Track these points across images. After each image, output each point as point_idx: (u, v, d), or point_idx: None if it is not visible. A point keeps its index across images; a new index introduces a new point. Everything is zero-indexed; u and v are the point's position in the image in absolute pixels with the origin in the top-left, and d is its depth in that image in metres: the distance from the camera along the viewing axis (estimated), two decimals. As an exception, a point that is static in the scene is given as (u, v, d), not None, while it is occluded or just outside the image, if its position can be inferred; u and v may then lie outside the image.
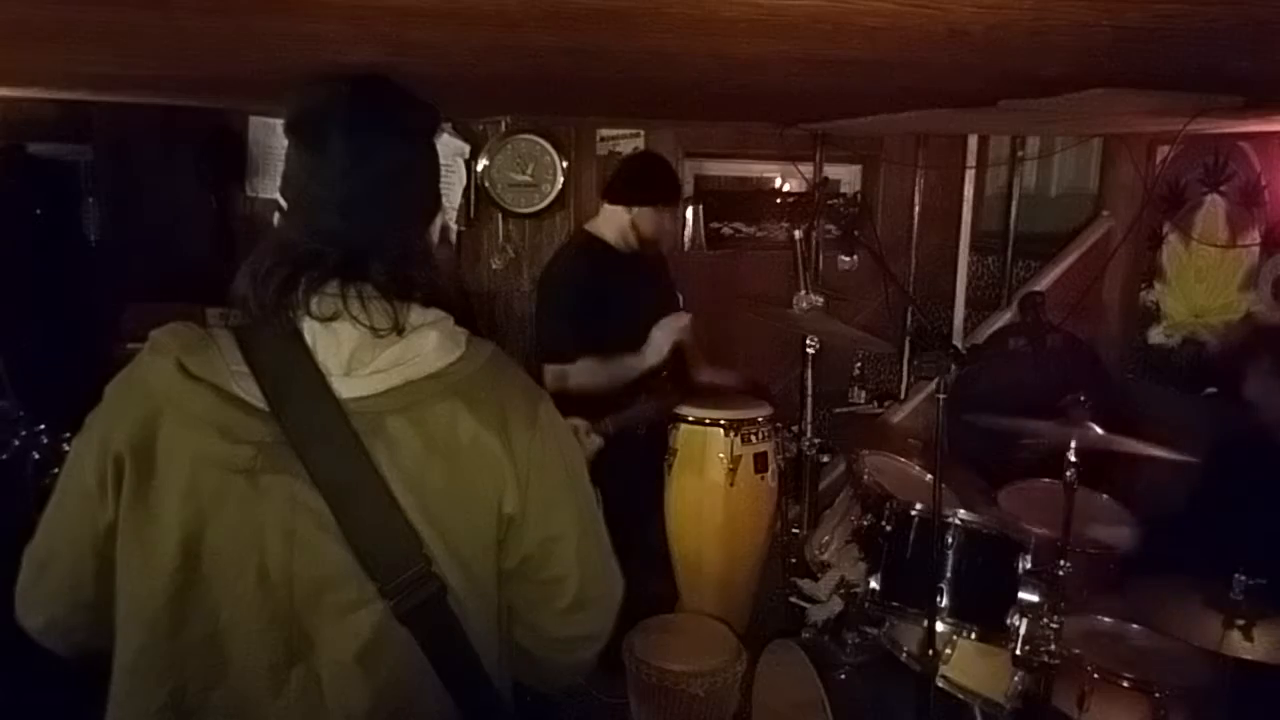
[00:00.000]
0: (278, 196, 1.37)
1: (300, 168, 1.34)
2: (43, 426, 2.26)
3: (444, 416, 1.28)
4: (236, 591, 1.25)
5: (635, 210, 3.57)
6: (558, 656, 1.50)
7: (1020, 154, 5.10)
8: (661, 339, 3.46)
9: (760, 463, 3.63)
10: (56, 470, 1.48)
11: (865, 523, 2.90)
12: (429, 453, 1.27)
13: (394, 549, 1.25)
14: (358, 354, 1.28)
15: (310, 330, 1.28)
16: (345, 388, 1.27)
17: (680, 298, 3.94)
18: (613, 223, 3.62)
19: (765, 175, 5.33)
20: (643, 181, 3.66)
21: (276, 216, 1.38)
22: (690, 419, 3.60)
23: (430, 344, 1.31)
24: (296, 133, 1.35)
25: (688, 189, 5.04)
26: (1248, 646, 2.36)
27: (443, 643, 1.29)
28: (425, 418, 1.28)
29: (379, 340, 1.28)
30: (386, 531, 1.25)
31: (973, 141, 5.17)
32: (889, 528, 2.73)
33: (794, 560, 3.58)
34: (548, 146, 4.59)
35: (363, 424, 1.25)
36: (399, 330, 1.29)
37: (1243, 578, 2.43)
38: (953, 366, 2.56)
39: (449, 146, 4.45)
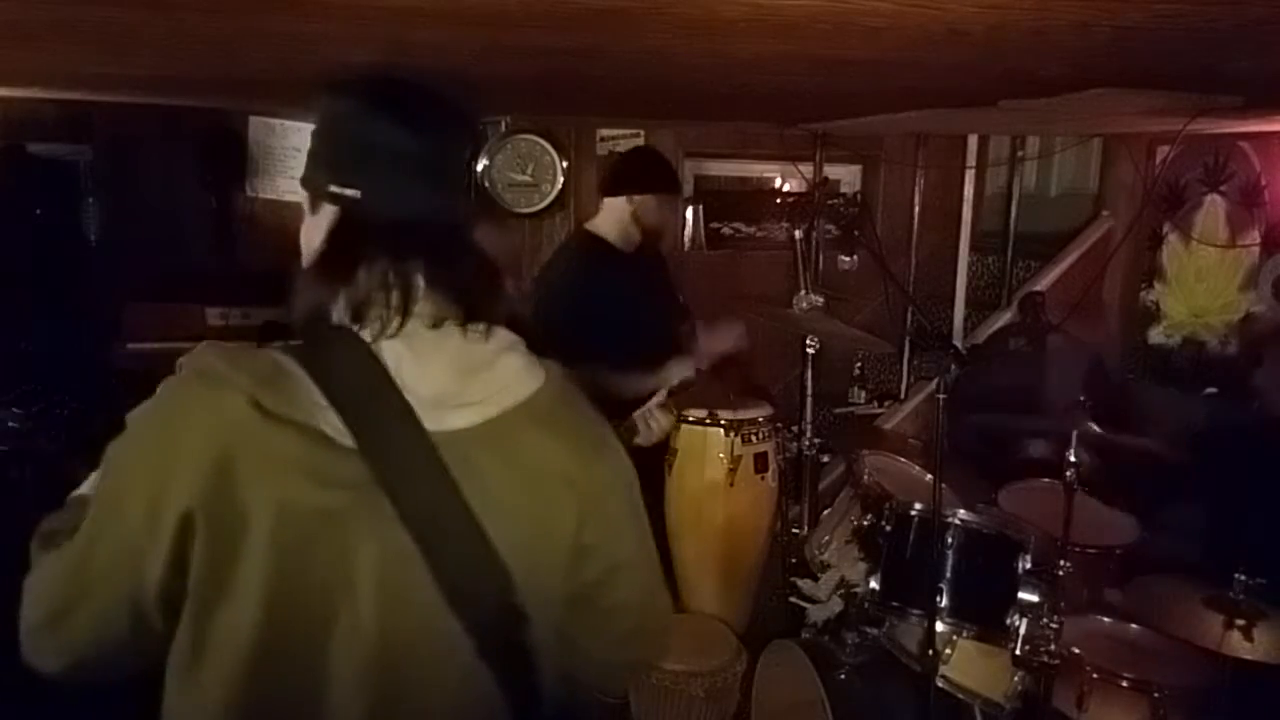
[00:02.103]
0: (340, 190, 1.21)
1: (376, 144, 1.20)
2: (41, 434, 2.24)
3: (531, 447, 1.22)
4: (326, 646, 1.15)
5: (637, 200, 3.54)
6: (602, 680, 1.48)
7: (1020, 154, 5.10)
8: (675, 372, 3.44)
9: (760, 463, 3.63)
10: (61, 485, 1.36)
11: (865, 523, 2.90)
12: (518, 485, 1.21)
13: (484, 588, 1.19)
14: (447, 383, 1.19)
15: (393, 356, 1.17)
16: (435, 420, 1.17)
17: (681, 298, 3.94)
18: (613, 218, 3.59)
19: (765, 175, 5.33)
20: (643, 171, 3.64)
21: (333, 213, 1.23)
22: (690, 419, 3.60)
23: (516, 371, 1.24)
24: (378, 101, 1.22)
25: (688, 189, 5.03)
26: (1248, 646, 2.36)
27: (519, 677, 1.25)
28: (515, 449, 1.21)
29: (468, 368, 1.21)
30: (478, 570, 1.18)
31: (973, 141, 5.17)
32: (889, 528, 2.73)
33: (794, 560, 3.58)
34: (548, 146, 4.59)
35: (453, 458, 1.17)
36: (483, 347, 1.23)
37: (1242, 577, 2.43)
38: (953, 366, 2.56)
39: (449, 146, 4.45)
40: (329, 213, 1.23)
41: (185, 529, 1.10)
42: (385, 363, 1.17)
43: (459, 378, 1.20)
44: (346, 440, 1.13)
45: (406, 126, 1.20)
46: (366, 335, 1.18)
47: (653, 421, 2.77)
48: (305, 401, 1.13)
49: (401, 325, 1.17)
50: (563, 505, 1.24)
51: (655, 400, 2.79)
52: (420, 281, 1.19)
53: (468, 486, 1.17)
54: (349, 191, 1.20)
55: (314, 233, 1.25)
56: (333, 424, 1.13)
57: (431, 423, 1.17)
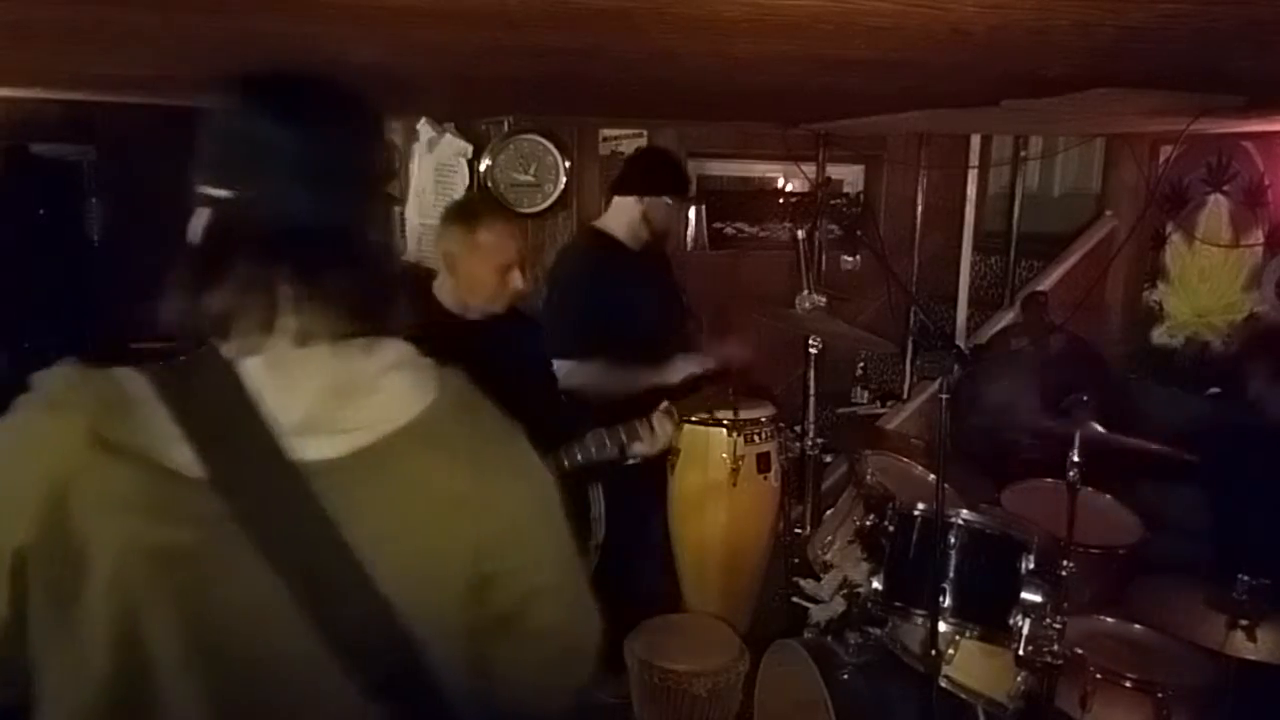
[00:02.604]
0: (210, 191, 1.11)
1: (252, 143, 1.10)
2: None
3: (419, 473, 1.12)
4: (187, 691, 1.05)
5: (647, 201, 3.56)
6: (534, 706, 1.35)
7: (1023, 154, 5.10)
8: (682, 367, 3.44)
9: (763, 463, 3.63)
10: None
11: (868, 523, 2.90)
12: (403, 515, 1.11)
13: (365, 625, 1.09)
14: (318, 409, 1.08)
15: (257, 378, 1.07)
16: (304, 449, 1.07)
17: (684, 297, 3.94)
18: (623, 217, 3.60)
19: (768, 175, 5.33)
20: (655, 172, 3.65)
21: (205, 215, 1.12)
22: (693, 419, 3.59)
23: (401, 391, 1.13)
24: (257, 97, 1.12)
25: (690, 189, 5.03)
26: (1251, 647, 2.36)
27: (418, 713, 1.15)
28: (398, 477, 1.11)
29: (343, 390, 1.10)
30: (357, 608, 1.08)
31: (975, 141, 5.17)
32: (892, 528, 2.72)
33: (797, 560, 3.57)
34: (550, 146, 4.59)
35: (326, 489, 1.06)
36: (362, 366, 1.12)
37: (1246, 578, 2.42)
38: (955, 367, 2.56)
39: (451, 146, 4.46)
40: (203, 216, 1.12)
41: (19, 569, 1.02)
42: (248, 385, 1.07)
43: (332, 401, 1.09)
44: (196, 472, 1.03)
45: (286, 124, 1.09)
46: (231, 353, 1.08)
47: (656, 428, 2.75)
48: (152, 430, 1.04)
49: (264, 342, 1.07)
50: (457, 533, 1.14)
51: (660, 409, 2.78)
52: (288, 293, 1.07)
53: (344, 519, 1.06)
54: (219, 192, 1.10)
55: (190, 239, 1.14)
56: (181, 455, 1.04)
57: (300, 451, 1.06)
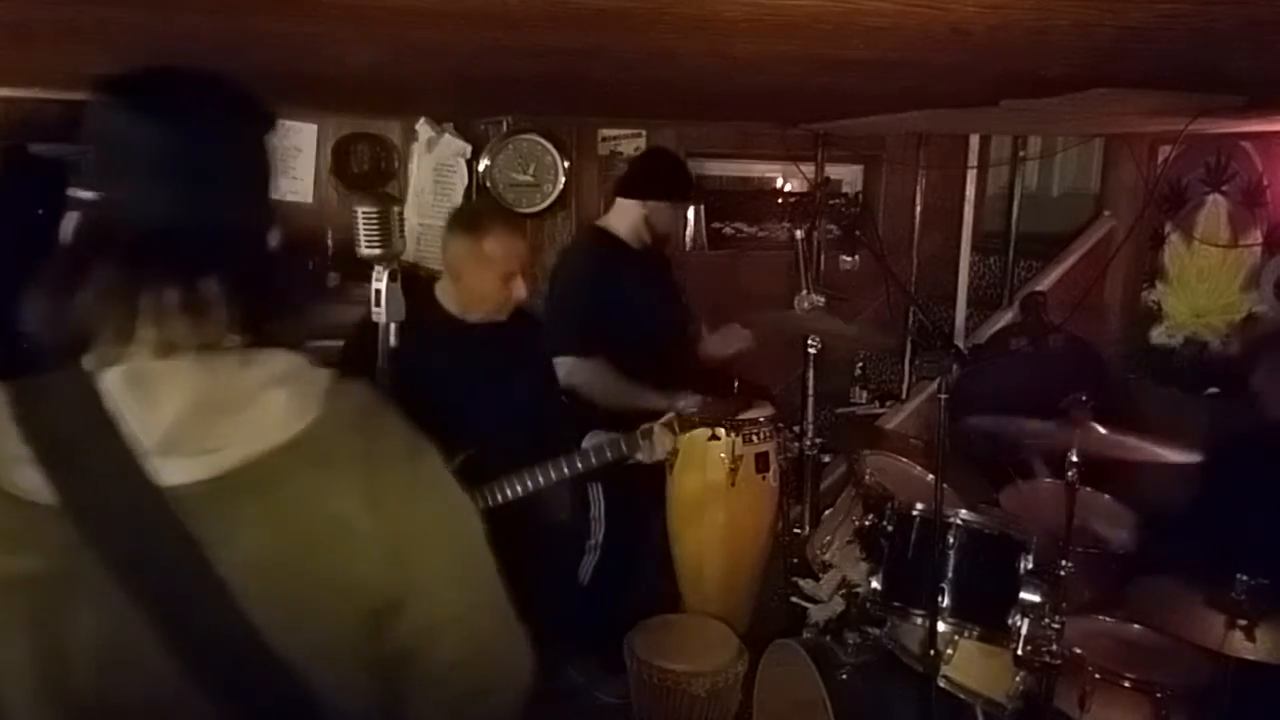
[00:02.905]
0: (76, 192, 1.05)
1: (119, 142, 1.04)
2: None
3: (297, 496, 1.04)
4: None
5: (650, 205, 3.58)
6: None
7: (1022, 154, 5.10)
8: (682, 405, 3.45)
9: (762, 463, 3.63)
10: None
11: (867, 523, 2.90)
12: (279, 542, 1.03)
13: (237, 661, 1.01)
14: (182, 427, 1.00)
15: (117, 393, 1.00)
16: (167, 470, 0.99)
17: (684, 298, 3.95)
18: (626, 218, 3.63)
19: (767, 175, 5.33)
20: (660, 176, 3.67)
21: (74, 219, 1.06)
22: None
23: (281, 406, 1.04)
24: (127, 96, 1.05)
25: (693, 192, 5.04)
26: (1250, 646, 2.36)
27: None
28: (274, 500, 1.02)
29: (214, 406, 1.02)
30: (226, 642, 1.00)
31: (974, 141, 5.17)
32: (890, 528, 2.73)
33: (795, 560, 3.58)
34: (549, 146, 4.59)
35: (191, 514, 0.99)
36: (238, 380, 1.04)
37: (1245, 578, 2.42)
38: (954, 367, 2.56)
39: (450, 146, 4.46)
40: (71, 219, 1.06)
41: None
42: (108, 402, 1.00)
43: (197, 418, 1.01)
44: (44, 497, 0.97)
45: (148, 123, 1.03)
46: (91, 366, 1.02)
47: (656, 441, 2.74)
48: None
49: (123, 354, 1.01)
50: (342, 562, 1.05)
51: (661, 421, 2.77)
52: (148, 301, 1.01)
53: (212, 546, 0.99)
54: (86, 194, 1.04)
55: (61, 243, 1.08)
56: (26, 478, 0.97)
57: (165, 473, 0.99)
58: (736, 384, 3.50)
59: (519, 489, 2.55)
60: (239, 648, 1.01)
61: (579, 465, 2.65)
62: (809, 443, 3.79)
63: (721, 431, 3.53)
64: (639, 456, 2.75)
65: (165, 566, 0.99)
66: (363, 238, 2.14)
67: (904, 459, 3.38)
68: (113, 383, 1.01)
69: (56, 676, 0.99)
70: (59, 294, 1.02)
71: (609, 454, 2.66)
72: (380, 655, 1.10)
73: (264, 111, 1.14)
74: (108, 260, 1.01)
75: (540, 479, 2.57)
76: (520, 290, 2.66)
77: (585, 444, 2.81)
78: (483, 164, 4.50)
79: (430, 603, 1.11)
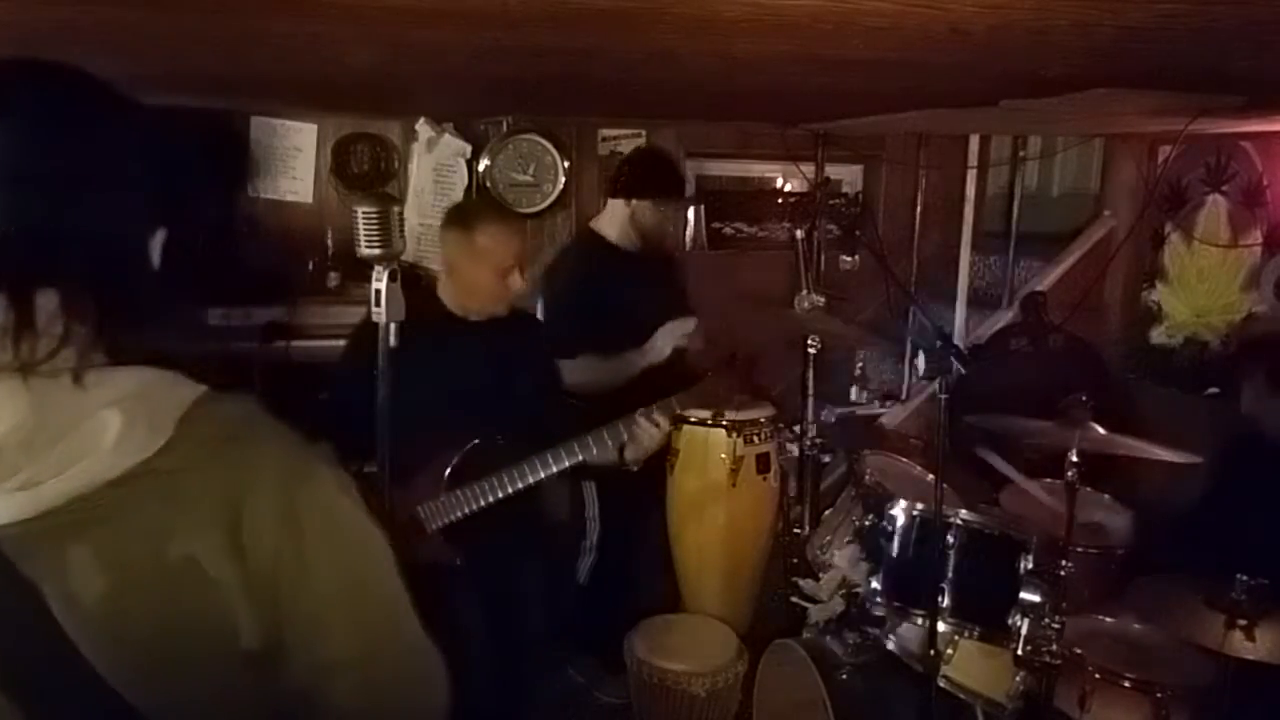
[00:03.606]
0: None
1: None
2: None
3: (138, 535, 0.92)
4: None
5: (634, 204, 3.59)
6: None
7: (1022, 154, 5.10)
8: (663, 341, 3.46)
9: (763, 463, 3.63)
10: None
11: (867, 523, 2.90)
12: (120, 586, 0.91)
13: (84, 712, 0.91)
14: (2, 457, 0.88)
15: None
16: None
17: (687, 298, 3.94)
18: (615, 219, 3.64)
19: (767, 175, 5.33)
20: (643, 176, 3.67)
21: None
22: (693, 419, 3.59)
23: (110, 435, 0.91)
24: None
25: (689, 188, 5.03)
26: (1250, 646, 2.36)
27: None
28: (110, 539, 0.91)
29: (41, 433, 0.89)
30: (69, 693, 0.90)
31: (974, 141, 5.17)
32: (890, 528, 2.73)
33: (795, 560, 3.57)
34: (549, 146, 4.59)
35: (20, 555, 0.88)
36: (71, 402, 0.91)
37: (1244, 577, 2.42)
38: (954, 366, 2.56)
39: (450, 146, 4.46)
40: None
41: None
42: None
43: (20, 448, 0.89)
44: None
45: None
46: None
47: (639, 431, 2.65)
48: None
49: None
50: (200, 605, 0.94)
51: (640, 411, 2.70)
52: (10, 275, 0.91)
53: (47, 590, 0.89)
54: None
55: None
56: None
57: None
58: (734, 359, 3.47)
59: (510, 486, 2.54)
60: (82, 697, 0.91)
61: (566, 459, 2.61)
62: (809, 443, 3.79)
63: (723, 431, 3.53)
64: (627, 456, 2.72)
65: None
66: (363, 238, 2.13)
67: (904, 459, 3.39)
68: None
69: None
70: None
71: (594, 449, 2.62)
72: (276, 692, 1.00)
73: (127, 105, 1.01)
74: None
75: (530, 475, 2.56)
76: (517, 284, 2.65)
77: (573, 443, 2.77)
78: (483, 164, 4.50)
79: (317, 644, 1.01)
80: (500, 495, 2.53)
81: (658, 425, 2.65)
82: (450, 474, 2.52)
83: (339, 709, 1.03)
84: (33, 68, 0.96)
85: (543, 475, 2.56)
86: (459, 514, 2.50)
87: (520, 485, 2.54)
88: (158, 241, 1.02)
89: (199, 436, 0.95)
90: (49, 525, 0.89)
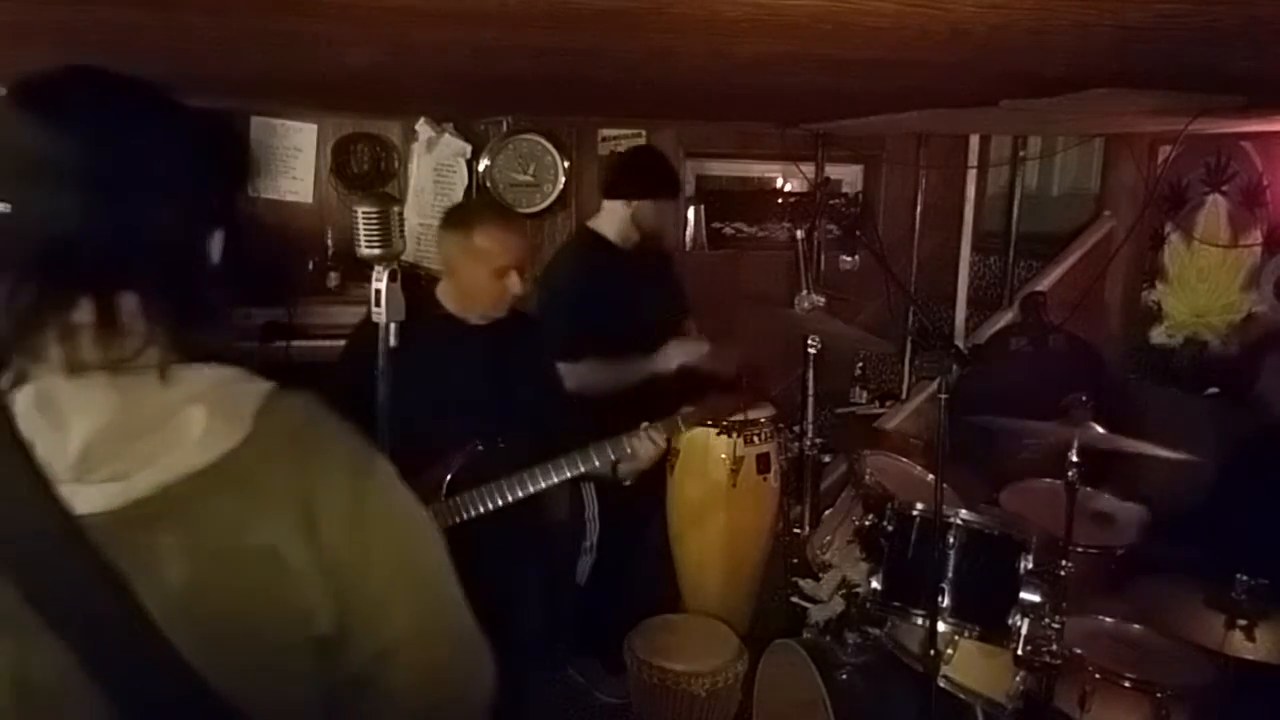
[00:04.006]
0: None
1: (30, 150, 0.97)
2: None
3: (222, 524, 0.98)
4: None
5: (634, 204, 3.58)
6: None
7: (1022, 154, 5.10)
8: (672, 356, 3.45)
9: (762, 463, 3.63)
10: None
11: (867, 523, 2.90)
12: (204, 572, 0.97)
13: (168, 695, 0.97)
14: (92, 451, 0.95)
15: (25, 413, 0.95)
16: (78, 498, 0.93)
17: (686, 296, 3.94)
18: (613, 219, 3.63)
19: (767, 175, 5.33)
20: (640, 175, 3.66)
21: None
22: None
23: (196, 429, 0.98)
24: (38, 101, 0.99)
25: (689, 189, 5.04)
26: (1250, 646, 2.36)
27: None
28: (195, 528, 0.97)
29: (127, 428, 0.96)
30: (155, 675, 0.96)
31: (974, 141, 5.17)
32: (890, 528, 2.73)
33: (795, 560, 3.57)
34: (549, 146, 4.59)
35: (109, 543, 0.94)
36: (155, 399, 0.98)
37: (1245, 578, 2.43)
38: (954, 366, 2.56)
39: (450, 147, 4.46)
40: None
41: None
42: (21, 424, 0.95)
43: (111, 441, 0.96)
44: None
45: (61, 127, 0.97)
46: (4, 387, 0.97)
47: (639, 446, 2.61)
48: None
49: (32, 373, 0.96)
50: (277, 592, 1.00)
51: (640, 428, 2.69)
52: (56, 317, 0.95)
53: (137, 579, 0.94)
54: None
55: None
56: None
57: (78, 501, 0.94)
58: (741, 380, 3.48)
59: (508, 496, 2.53)
60: (168, 679, 0.96)
61: (567, 470, 2.60)
62: (809, 443, 3.79)
63: (726, 432, 3.53)
64: (620, 470, 2.69)
65: (82, 598, 0.94)
66: (363, 238, 2.13)
67: (904, 459, 3.39)
68: (23, 404, 0.96)
69: None
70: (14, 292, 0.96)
71: (596, 461, 2.61)
72: (331, 679, 1.06)
73: (187, 112, 1.06)
74: (17, 275, 0.95)
75: (529, 485, 2.55)
76: (516, 286, 2.64)
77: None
78: (483, 164, 4.51)
79: (379, 629, 1.06)
80: (498, 504, 2.52)
81: (656, 443, 2.64)
82: (450, 479, 2.51)
83: (395, 691, 1.08)
84: (105, 78, 1.01)
85: (542, 485, 2.56)
86: (458, 519, 2.49)
87: (518, 495, 2.53)
88: (217, 241, 1.07)
89: (273, 430, 1.02)
90: (137, 515, 0.95)
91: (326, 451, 1.06)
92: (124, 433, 0.96)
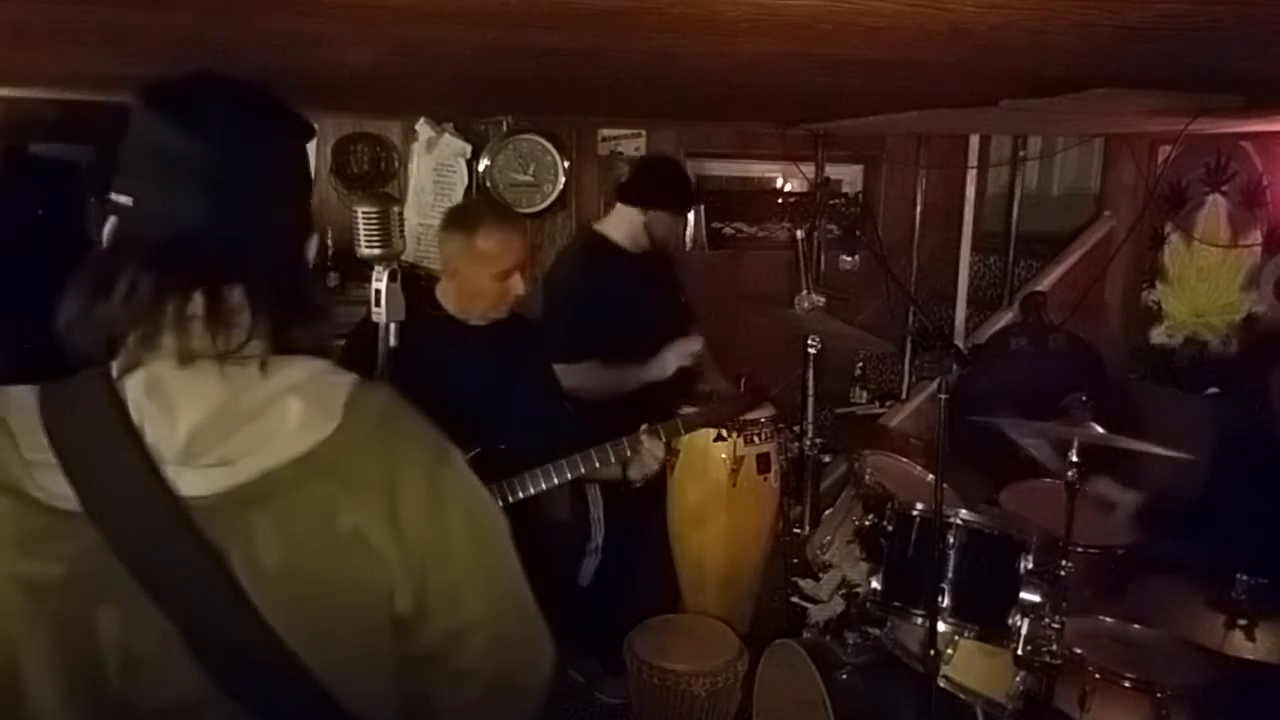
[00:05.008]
0: (114, 196, 1.06)
1: (155, 148, 1.04)
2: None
3: (315, 508, 1.04)
4: None
5: (651, 214, 3.56)
6: None
7: (1022, 154, 5.10)
8: (671, 359, 3.45)
9: (763, 463, 3.63)
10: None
11: (867, 523, 2.90)
12: (297, 553, 1.04)
13: (260, 667, 1.03)
14: (199, 436, 1.01)
15: (136, 400, 1.01)
16: (184, 481, 1.00)
17: (686, 299, 3.94)
18: (624, 223, 3.61)
19: (767, 175, 5.34)
20: (662, 186, 3.64)
21: (111, 223, 1.06)
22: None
23: (293, 418, 1.05)
24: (165, 101, 1.04)
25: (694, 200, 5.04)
26: (1250, 646, 2.36)
27: None
28: (291, 512, 1.04)
29: (231, 416, 1.03)
30: (249, 649, 1.02)
31: (974, 141, 5.17)
32: (890, 527, 2.72)
33: (796, 560, 3.58)
34: (549, 146, 4.59)
35: (210, 524, 1.00)
36: (256, 390, 1.04)
37: (1245, 577, 2.43)
38: (954, 366, 2.56)
39: (450, 146, 4.46)
40: (109, 223, 1.07)
41: None
42: (131, 409, 1.01)
43: (214, 429, 1.02)
44: (67, 503, 0.98)
45: (190, 129, 1.02)
46: (116, 373, 1.03)
47: (643, 449, 2.61)
48: (12, 456, 0.99)
49: (144, 360, 1.02)
50: (366, 572, 1.07)
51: (641, 430, 2.69)
52: (173, 308, 1.01)
53: (233, 557, 1.01)
54: (123, 199, 1.04)
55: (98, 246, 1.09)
56: (51, 483, 0.98)
57: (182, 484, 1.00)
58: (743, 382, 3.49)
59: (509, 497, 2.53)
60: (261, 653, 1.03)
61: (568, 473, 2.60)
62: (809, 443, 3.79)
63: (724, 432, 3.53)
64: (630, 474, 2.69)
65: (185, 575, 1.00)
66: (363, 238, 2.13)
67: (904, 459, 3.38)
68: (134, 389, 1.01)
69: (84, 680, 1.01)
70: (90, 297, 1.02)
71: (597, 463, 2.61)
72: (406, 656, 1.13)
73: (302, 122, 1.14)
74: (136, 265, 1.01)
75: (530, 487, 2.55)
76: (518, 287, 2.63)
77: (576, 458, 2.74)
78: (483, 164, 4.51)
79: (454, 609, 1.13)
80: (500, 506, 2.51)
81: (660, 444, 2.64)
82: None
83: (466, 667, 1.15)
84: (233, 85, 1.08)
85: (544, 487, 2.56)
86: None
87: (518, 498, 2.53)
88: (314, 243, 1.15)
89: (360, 421, 1.08)
90: (237, 498, 1.01)
91: (407, 441, 1.12)
92: (228, 420, 1.02)
